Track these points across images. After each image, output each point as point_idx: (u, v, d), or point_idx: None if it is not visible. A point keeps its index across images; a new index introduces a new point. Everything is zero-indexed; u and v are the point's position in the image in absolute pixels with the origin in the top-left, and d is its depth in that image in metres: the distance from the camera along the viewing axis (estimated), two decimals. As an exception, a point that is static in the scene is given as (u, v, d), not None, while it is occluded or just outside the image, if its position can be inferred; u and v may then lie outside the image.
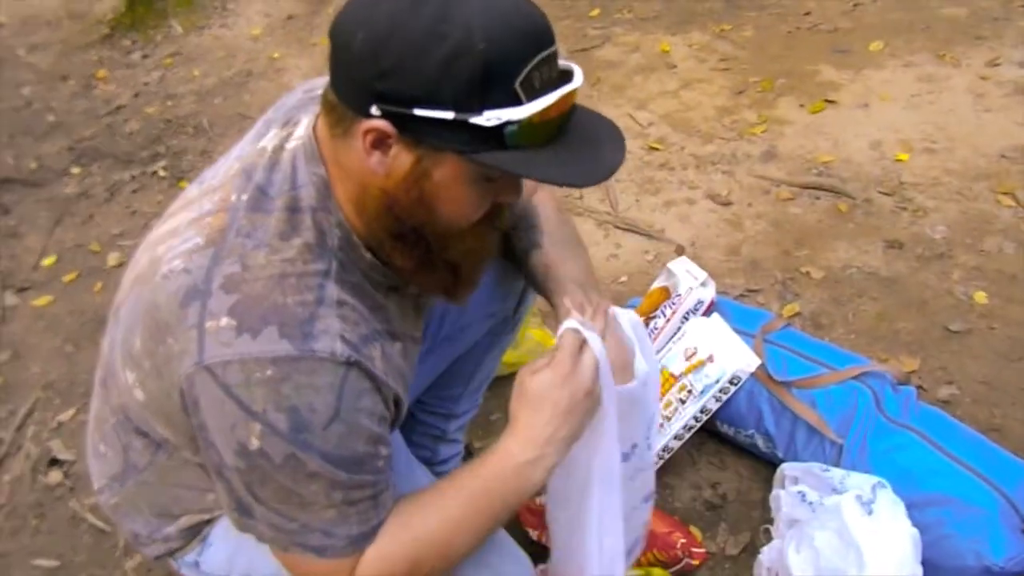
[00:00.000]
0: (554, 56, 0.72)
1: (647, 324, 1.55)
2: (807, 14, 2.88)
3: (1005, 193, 1.99)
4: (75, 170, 2.89)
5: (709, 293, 1.52)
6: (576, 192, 2.25)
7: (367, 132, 0.71)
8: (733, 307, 1.58)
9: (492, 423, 1.67)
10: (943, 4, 2.77)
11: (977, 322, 1.69)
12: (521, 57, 0.69)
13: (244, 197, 0.80)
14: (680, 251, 1.98)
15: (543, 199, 1.11)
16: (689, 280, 1.53)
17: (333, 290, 0.78)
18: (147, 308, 0.79)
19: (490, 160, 0.71)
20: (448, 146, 0.71)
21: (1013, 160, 2.09)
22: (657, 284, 1.61)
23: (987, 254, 1.84)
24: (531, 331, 1.68)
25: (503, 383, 1.66)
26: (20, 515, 1.66)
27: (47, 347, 2.08)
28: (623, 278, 1.96)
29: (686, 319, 1.51)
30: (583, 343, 0.86)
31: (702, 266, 1.58)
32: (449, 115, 0.68)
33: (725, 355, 1.38)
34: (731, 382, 1.37)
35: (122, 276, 0.89)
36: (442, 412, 1.39)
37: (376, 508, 0.82)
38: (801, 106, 2.43)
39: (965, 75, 2.41)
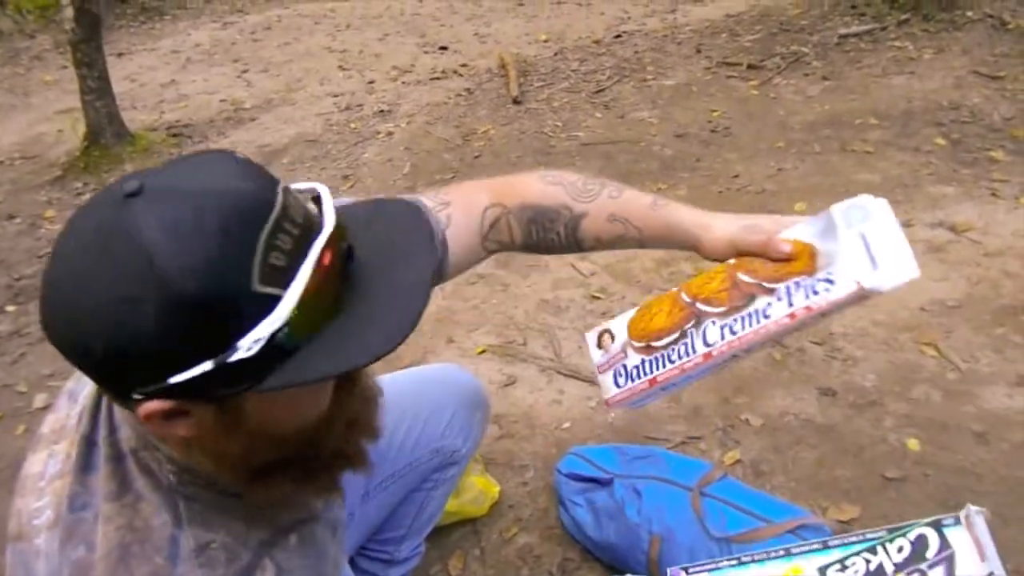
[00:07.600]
0: (282, 215, 0.56)
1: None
2: (736, 176, 3.10)
3: (927, 344, 2.09)
4: (10, 308, 2.83)
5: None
6: (520, 338, 2.29)
7: (148, 416, 0.59)
8: (670, 458, 1.58)
9: (431, 577, 1.59)
10: (858, 171, 3.01)
11: (912, 469, 1.72)
12: (243, 258, 0.53)
13: (76, 453, 0.72)
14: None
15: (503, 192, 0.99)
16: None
17: (187, 539, 0.67)
18: None
19: (282, 382, 0.57)
20: (234, 389, 0.57)
21: (932, 313, 2.21)
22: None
23: (916, 402, 1.91)
24: (473, 478, 1.64)
25: (444, 534, 1.61)
26: None
27: (-44, 495, 1.95)
28: (566, 424, 1.96)
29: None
30: None
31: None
32: (208, 366, 0.54)
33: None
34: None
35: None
36: (383, 558, 1.33)
37: None
38: (734, 259, 2.56)
39: (882, 234, 2.59)
